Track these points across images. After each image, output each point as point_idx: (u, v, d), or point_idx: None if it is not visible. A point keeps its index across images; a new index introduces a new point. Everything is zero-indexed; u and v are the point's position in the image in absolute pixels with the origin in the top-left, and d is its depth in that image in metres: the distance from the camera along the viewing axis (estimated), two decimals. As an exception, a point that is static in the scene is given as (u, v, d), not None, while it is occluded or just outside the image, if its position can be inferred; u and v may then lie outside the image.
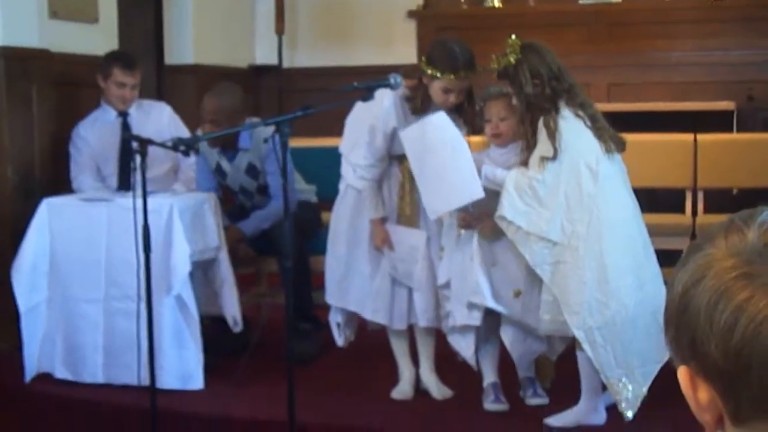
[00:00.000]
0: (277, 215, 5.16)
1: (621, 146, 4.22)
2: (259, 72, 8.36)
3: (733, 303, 1.07)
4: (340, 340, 4.79)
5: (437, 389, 4.66)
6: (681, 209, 6.34)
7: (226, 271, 5.05)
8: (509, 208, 4.12)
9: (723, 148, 6.37)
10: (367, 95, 4.10)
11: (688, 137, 6.34)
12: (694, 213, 6.30)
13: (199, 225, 4.95)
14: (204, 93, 5.41)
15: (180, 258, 4.75)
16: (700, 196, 6.33)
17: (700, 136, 6.34)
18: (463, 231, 4.47)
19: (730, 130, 7.20)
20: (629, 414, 4.12)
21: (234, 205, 5.61)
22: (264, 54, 8.46)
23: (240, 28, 8.31)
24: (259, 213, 5.40)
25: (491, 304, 4.33)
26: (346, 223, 4.64)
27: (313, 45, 8.33)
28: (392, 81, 4.11)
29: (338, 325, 4.78)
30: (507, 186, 4.13)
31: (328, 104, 4.31)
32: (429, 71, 4.36)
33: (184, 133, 5.64)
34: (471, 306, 4.36)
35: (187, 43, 7.60)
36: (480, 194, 4.14)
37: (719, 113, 7.27)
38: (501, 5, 8.09)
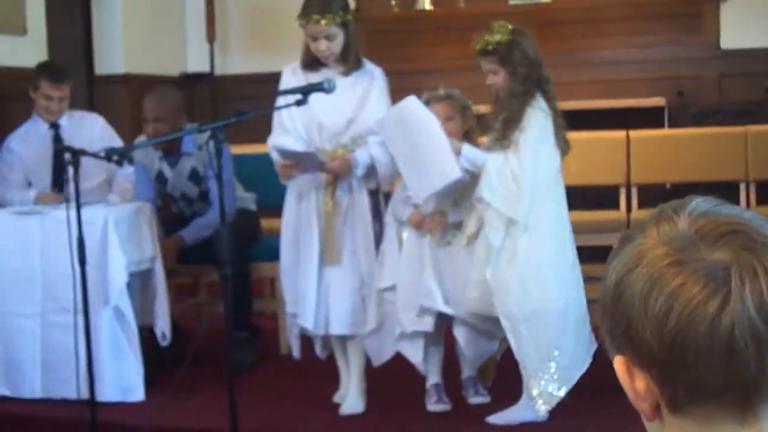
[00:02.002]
0: (217, 222, 5.15)
1: (567, 150, 4.34)
2: (191, 80, 8.32)
3: (667, 290, 1.09)
4: (295, 351, 4.68)
5: (345, 402, 4.59)
6: (615, 205, 6.41)
7: (159, 282, 5.03)
8: (488, 190, 4.18)
9: (655, 144, 6.45)
10: (302, 100, 4.10)
11: (621, 134, 6.42)
12: (629, 209, 6.37)
13: (134, 236, 4.92)
14: (135, 103, 5.39)
15: (116, 269, 4.72)
16: (634, 191, 6.40)
17: (632, 133, 6.42)
18: (405, 235, 4.50)
19: (661, 125, 7.29)
20: (543, 410, 4.21)
21: (171, 213, 5.58)
22: (196, 62, 8.42)
23: (170, 36, 8.27)
24: (199, 221, 5.39)
25: (443, 308, 4.37)
26: (288, 226, 4.60)
27: (245, 51, 8.31)
28: (326, 85, 4.10)
29: (300, 335, 4.65)
30: (487, 168, 4.19)
31: (262, 110, 4.33)
32: (298, 22, 4.44)
33: (117, 144, 5.60)
34: (422, 312, 4.40)
35: (116, 52, 7.55)
36: (457, 174, 4.16)
37: (650, 110, 7.37)
38: (432, 8, 8.12)
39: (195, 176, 5.38)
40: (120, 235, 4.76)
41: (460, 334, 4.46)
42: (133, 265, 4.83)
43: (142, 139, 5.34)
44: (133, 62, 7.59)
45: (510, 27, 4.30)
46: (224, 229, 3.94)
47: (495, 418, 4.27)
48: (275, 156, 4.45)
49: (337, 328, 4.53)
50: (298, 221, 4.55)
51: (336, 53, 4.44)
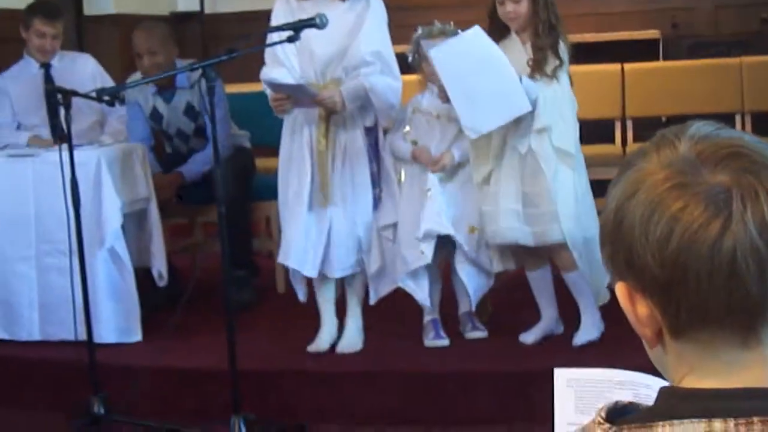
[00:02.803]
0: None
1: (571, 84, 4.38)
2: (181, 19, 8.25)
3: (668, 213, 1.08)
4: (300, 295, 4.62)
5: (343, 340, 4.57)
6: (611, 139, 6.40)
7: (154, 223, 5.03)
8: (546, 122, 4.18)
9: (650, 77, 6.43)
10: (294, 36, 4.05)
11: (615, 67, 6.39)
12: (624, 142, 6.37)
13: (128, 176, 4.91)
14: (126, 43, 5.36)
15: (111, 211, 4.71)
16: (630, 125, 6.39)
17: (627, 66, 6.40)
18: (403, 172, 4.50)
19: (656, 58, 7.26)
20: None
21: (165, 153, 5.57)
22: (185, 0, 8.34)
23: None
24: (197, 156, 5.39)
25: (446, 231, 4.40)
26: (284, 161, 4.54)
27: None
28: (318, 20, 4.03)
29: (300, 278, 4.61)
30: (540, 101, 4.15)
31: (253, 47, 4.29)
32: None
33: (109, 84, 5.56)
34: (424, 237, 4.40)
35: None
36: (527, 106, 4.11)
37: (645, 42, 7.33)
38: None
39: (190, 111, 5.37)
40: (113, 176, 4.74)
41: (462, 269, 4.47)
42: (126, 206, 4.82)
43: (135, 77, 5.32)
44: (123, 2, 7.52)
45: None
46: (219, 168, 3.92)
47: (579, 339, 4.32)
48: (268, 91, 4.39)
49: (339, 271, 4.48)
50: (291, 159, 4.49)
51: None
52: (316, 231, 4.44)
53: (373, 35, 4.39)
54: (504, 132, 4.26)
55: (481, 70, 4.12)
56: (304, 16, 4.17)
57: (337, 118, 4.41)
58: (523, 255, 4.42)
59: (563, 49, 4.23)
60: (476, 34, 4.14)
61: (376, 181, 4.50)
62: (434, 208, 4.41)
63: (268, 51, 4.41)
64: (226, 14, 8.22)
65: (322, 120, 4.39)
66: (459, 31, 4.44)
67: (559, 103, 4.21)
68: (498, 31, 4.33)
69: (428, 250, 4.41)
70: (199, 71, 3.89)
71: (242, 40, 4.74)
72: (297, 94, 4.34)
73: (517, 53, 4.25)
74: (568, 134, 4.24)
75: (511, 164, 4.27)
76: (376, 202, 4.51)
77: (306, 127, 4.45)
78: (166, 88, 5.37)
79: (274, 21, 4.42)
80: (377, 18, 4.42)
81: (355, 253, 4.48)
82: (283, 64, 4.39)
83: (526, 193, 4.24)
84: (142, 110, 5.45)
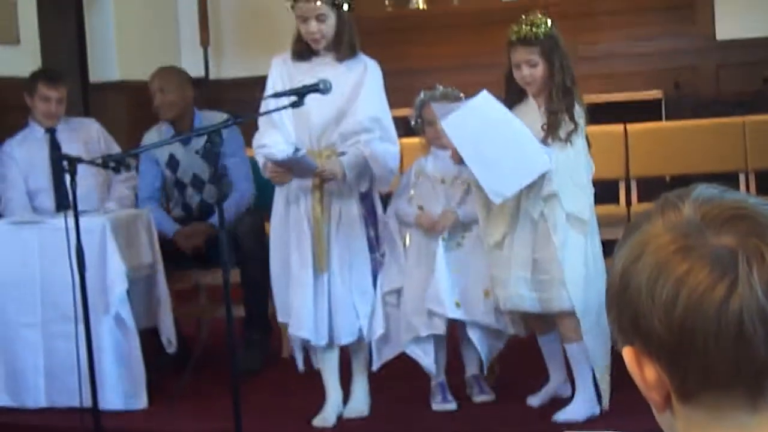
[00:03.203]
0: (241, 204, 5.27)
1: (589, 146, 4.35)
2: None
3: (674, 276, 1.08)
4: (299, 363, 4.55)
5: (350, 405, 4.53)
6: (615, 200, 6.41)
7: (161, 289, 5.03)
8: (557, 186, 4.13)
9: (653, 137, 6.45)
10: (297, 102, 4.04)
11: (618, 128, 6.41)
12: (628, 202, 6.37)
13: (133, 242, 4.92)
14: (131, 109, 5.42)
15: (116, 277, 4.71)
16: (634, 185, 6.39)
17: (630, 126, 6.42)
18: (408, 235, 4.50)
19: (659, 118, 7.29)
20: (606, 405, 4.28)
21: (172, 211, 5.60)
22: (190, 66, 8.39)
23: (164, 41, 8.26)
24: (227, 203, 5.36)
25: (453, 314, 4.38)
26: (278, 227, 4.51)
27: (240, 55, 8.29)
28: (321, 86, 4.04)
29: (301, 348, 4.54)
30: (555, 161, 4.11)
31: (258, 114, 4.31)
32: (288, 6, 4.35)
33: (115, 148, 5.60)
34: (432, 314, 4.39)
35: (111, 59, 7.54)
36: (547, 165, 4.08)
37: (648, 102, 7.37)
38: (425, 6, 8.12)
39: (207, 154, 5.37)
40: (118, 243, 4.75)
41: (474, 334, 4.44)
42: (132, 272, 4.83)
43: (150, 135, 5.45)
44: (128, 69, 7.58)
45: (551, 20, 4.27)
46: (222, 231, 3.90)
47: (561, 415, 4.24)
48: (261, 159, 4.33)
49: (345, 338, 4.43)
50: (287, 227, 4.43)
51: (328, 37, 4.32)
52: (320, 299, 4.39)
53: (372, 100, 4.37)
54: (518, 196, 4.22)
55: (495, 134, 4.11)
56: (302, 79, 4.17)
57: (332, 185, 4.35)
58: (533, 319, 4.39)
59: (579, 112, 4.20)
60: (485, 99, 4.13)
61: (374, 246, 4.46)
62: (440, 287, 4.39)
63: (269, 116, 4.37)
64: (231, 80, 8.27)
65: (316, 188, 4.35)
66: (461, 94, 4.47)
67: (573, 167, 4.17)
68: (514, 94, 4.34)
69: (440, 324, 4.40)
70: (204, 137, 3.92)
71: (247, 106, 4.78)
72: (298, 167, 4.30)
73: (533, 117, 4.24)
74: (580, 199, 4.19)
75: (524, 229, 4.23)
76: (377, 267, 4.47)
77: (301, 195, 4.39)
78: (184, 131, 5.40)
79: (272, 85, 4.38)
80: (375, 81, 4.41)
81: (356, 319, 4.43)
82: (278, 129, 4.34)
83: (536, 260, 4.20)
84: (158, 163, 5.50)
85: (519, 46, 4.24)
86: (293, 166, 4.28)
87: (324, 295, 4.39)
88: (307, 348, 4.54)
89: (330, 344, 4.45)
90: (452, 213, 4.46)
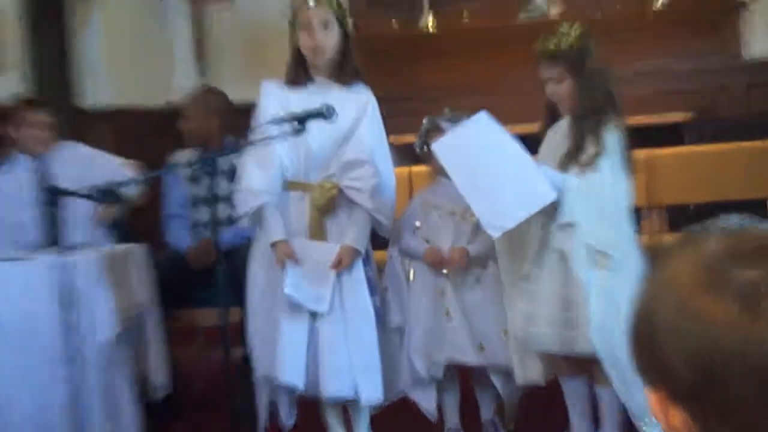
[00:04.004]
0: (244, 233, 5.17)
1: (633, 172, 4.25)
2: (177, 110, 8.33)
3: (696, 312, 1.10)
4: (285, 418, 4.48)
5: None
6: (637, 229, 6.41)
7: (153, 333, 5.03)
8: (572, 216, 4.03)
9: (678, 162, 6.45)
10: (300, 129, 4.03)
11: (641, 153, 6.41)
12: (651, 232, 6.37)
13: (125, 280, 4.92)
14: (120, 137, 5.47)
15: (105, 319, 4.70)
16: (657, 214, 6.39)
17: (653, 151, 6.42)
18: (413, 271, 4.50)
19: (680, 143, 7.29)
20: None
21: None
22: (184, 91, 8.44)
23: (156, 63, 8.29)
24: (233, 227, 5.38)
25: (477, 361, 4.38)
26: (262, 274, 4.44)
27: (238, 78, 8.30)
28: (325, 111, 4.03)
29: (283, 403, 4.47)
30: (569, 191, 4.02)
31: (257, 140, 4.31)
32: (288, 19, 4.36)
33: (108, 160, 5.60)
34: (448, 363, 4.39)
35: (99, 86, 7.57)
36: (551, 196, 3.96)
37: (672, 125, 7.37)
38: (434, 26, 8.15)
39: (232, 174, 5.40)
40: (110, 280, 4.76)
41: (497, 379, 4.44)
42: (123, 314, 4.83)
43: (178, 156, 5.61)
44: (117, 95, 7.62)
45: (580, 29, 4.22)
46: (221, 266, 3.91)
47: None
48: (247, 208, 4.32)
49: (332, 390, 4.28)
50: (272, 265, 4.35)
51: (330, 52, 4.30)
52: (310, 346, 4.31)
53: (370, 133, 4.34)
54: (542, 225, 4.15)
55: (492, 160, 4.02)
56: (299, 106, 4.16)
57: (329, 225, 4.34)
58: (558, 360, 4.28)
59: (612, 134, 4.10)
60: (480, 121, 4.06)
61: (375, 287, 4.42)
62: (460, 334, 4.38)
63: (257, 145, 4.31)
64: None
65: (315, 221, 4.34)
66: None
67: (596, 195, 4.04)
68: (550, 113, 4.32)
69: (440, 368, 4.40)
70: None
71: (246, 133, 4.79)
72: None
73: (560, 138, 4.20)
74: (604, 231, 4.04)
75: (552, 263, 4.12)
76: (379, 311, 4.40)
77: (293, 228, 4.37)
78: (212, 150, 5.47)
79: (265, 110, 4.34)
80: (376, 114, 4.38)
81: (348, 372, 4.29)
82: (268, 164, 4.28)
83: (564, 296, 4.09)
84: (179, 177, 5.63)
85: (543, 61, 4.23)
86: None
87: (313, 341, 4.29)
88: (279, 402, 4.44)
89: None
90: (463, 250, 4.44)
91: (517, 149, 4.02)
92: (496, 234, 4.07)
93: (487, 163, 4.02)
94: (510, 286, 4.27)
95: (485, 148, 4.03)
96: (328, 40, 4.28)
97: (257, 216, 4.35)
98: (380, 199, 4.30)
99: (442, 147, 4.11)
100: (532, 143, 4.22)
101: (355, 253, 4.28)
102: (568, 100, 4.20)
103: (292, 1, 4.40)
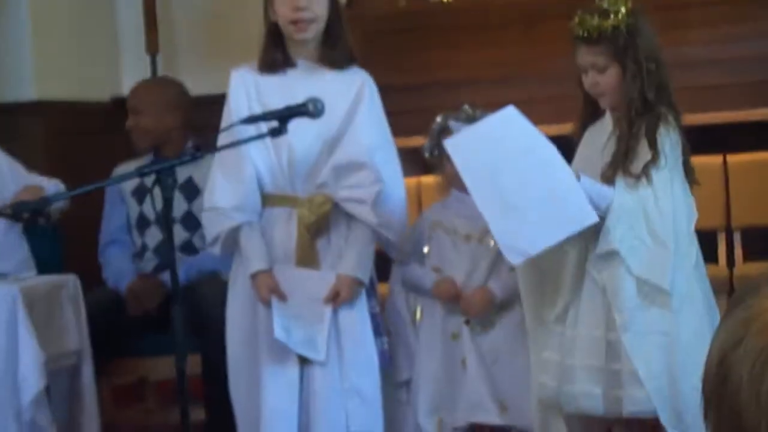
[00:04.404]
0: (208, 261, 5.28)
1: (693, 182, 4.29)
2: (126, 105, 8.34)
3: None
4: None
5: None
6: (713, 258, 6.39)
7: (87, 385, 5.02)
8: (621, 243, 4.00)
9: (763, 171, 6.44)
10: (278, 129, 3.99)
11: (715, 160, 6.42)
12: (731, 262, 6.35)
13: (54, 320, 4.91)
14: (51, 137, 5.45)
15: (30, 369, 4.69)
16: (737, 238, 6.38)
17: (731, 158, 6.43)
18: (419, 311, 4.50)
19: (766, 147, 7.28)
20: None
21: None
22: (132, 82, 8.45)
23: (99, 51, 8.30)
24: (200, 257, 5.45)
25: (500, 420, 4.43)
26: (244, 314, 4.47)
27: (197, 67, 8.31)
28: (311, 106, 4.00)
29: None
30: (616, 210, 4.00)
31: (226, 146, 4.28)
32: None
33: (28, 179, 5.60)
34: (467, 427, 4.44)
35: (25, 75, 7.57)
36: (593, 217, 3.93)
37: (753, 125, 7.35)
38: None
39: (189, 188, 5.39)
40: (35, 321, 4.74)
41: None
42: (52, 362, 4.82)
43: (122, 170, 5.56)
44: (48, 86, 7.62)
45: (629, 3, 4.19)
46: (177, 304, 3.90)
47: None
48: (218, 231, 4.35)
49: None
50: (255, 305, 4.39)
51: (318, 21, 4.30)
52: (302, 394, 4.34)
53: (372, 123, 4.37)
54: (579, 251, 4.12)
55: (519, 166, 3.99)
56: (276, 98, 4.16)
57: (322, 249, 4.36)
58: (599, 425, 4.26)
59: (667, 136, 4.12)
60: (507, 116, 4.04)
61: (381, 326, 4.43)
62: (478, 390, 4.39)
63: (221, 155, 4.34)
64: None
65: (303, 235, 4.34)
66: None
67: (648, 214, 4.03)
68: (589, 109, 4.32)
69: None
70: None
71: (206, 133, 4.78)
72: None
73: (602, 140, 4.20)
74: (660, 260, 4.02)
75: (593, 297, 4.10)
76: (384, 358, 4.42)
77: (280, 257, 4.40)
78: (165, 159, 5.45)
79: (235, 107, 4.37)
80: (377, 101, 4.41)
81: (344, 429, 4.33)
82: (238, 176, 4.30)
83: (610, 342, 4.05)
84: (122, 193, 5.69)
85: (582, 44, 4.21)
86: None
87: (304, 389, 4.33)
88: None
89: None
90: (488, 292, 4.43)
91: (552, 154, 3.99)
92: (516, 261, 4.05)
93: (513, 170, 3.98)
94: (537, 331, 4.23)
95: (511, 151, 4.00)
96: (314, 8, 4.27)
97: (231, 241, 4.34)
98: (387, 210, 4.31)
99: (456, 145, 4.08)
100: (568, 147, 4.20)
101: (356, 284, 4.30)
102: (613, 94, 4.20)
103: None
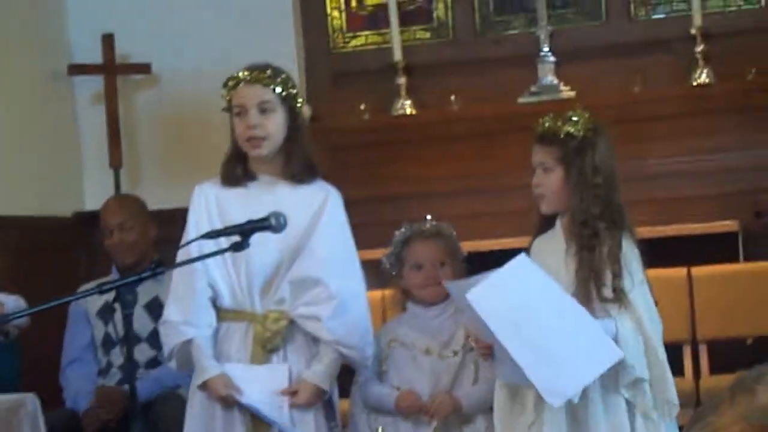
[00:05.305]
0: (169, 378, 5.27)
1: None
2: (88, 221, 8.31)
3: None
4: None
5: None
6: (679, 370, 6.38)
7: None
8: (641, 368, 4.11)
9: (728, 284, 6.46)
10: (240, 244, 3.99)
11: (680, 272, 6.43)
12: (697, 375, 6.34)
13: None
14: (14, 251, 5.41)
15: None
16: (703, 350, 6.37)
17: (696, 270, 6.43)
18: (380, 429, 4.46)
19: (735, 258, 7.28)
20: None
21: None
22: (95, 196, 8.43)
23: (61, 165, 8.28)
24: (158, 372, 5.44)
25: None
26: (197, 428, 4.45)
27: (160, 181, 8.31)
28: (273, 220, 4.02)
29: None
30: (624, 337, 4.08)
31: (185, 260, 4.27)
32: (223, 95, 4.41)
33: None
34: None
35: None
36: (618, 354, 4.03)
37: (719, 237, 7.37)
38: (414, 111, 8.18)
39: (155, 307, 5.38)
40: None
41: None
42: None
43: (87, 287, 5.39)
44: (8, 201, 7.59)
45: (592, 120, 4.28)
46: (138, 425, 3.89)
47: None
48: (175, 342, 4.36)
49: None
50: (212, 423, 4.37)
51: (273, 139, 4.36)
52: None
53: (334, 233, 4.38)
54: None
55: (539, 311, 4.08)
56: (236, 212, 4.20)
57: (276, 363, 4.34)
58: None
59: (632, 252, 4.22)
60: (520, 265, 4.10)
61: (333, 418, 4.39)
62: None
63: (179, 272, 4.34)
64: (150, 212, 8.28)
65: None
66: (452, 231, 4.48)
67: (647, 333, 4.16)
68: (543, 222, 4.38)
69: None
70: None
71: (169, 247, 4.77)
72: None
73: (557, 253, 4.26)
74: (663, 379, 4.20)
75: (555, 417, 4.15)
76: None
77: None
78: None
79: (194, 222, 4.41)
80: (339, 212, 4.44)
81: None
82: (188, 291, 4.32)
83: None
84: (87, 313, 5.67)
85: (536, 143, 4.30)
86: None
87: None
88: None
89: None
90: (450, 398, 4.42)
91: (566, 298, 4.08)
92: (557, 403, 4.07)
93: (535, 316, 4.07)
94: None
95: (529, 298, 4.09)
96: (268, 127, 4.33)
97: (184, 355, 4.32)
98: (344, 326, 4.30)
99: (478, 297, 4.10)
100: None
101: (318, 391, 4.29)
102: (552, 198, 4.26)
103: (225, 84, 4.42)
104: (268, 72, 4.36)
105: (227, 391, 4.27)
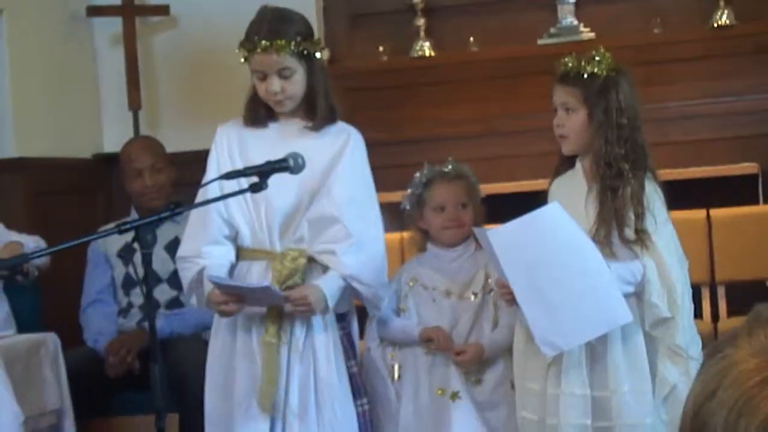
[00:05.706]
0: (198, 324, 5.31)
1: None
2: (108, 163, 8.33)
3: (759, 417, 1.08)
4: None
5: None
6: (697, 313, 6.38)
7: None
8: (666, 307, 4.13)
9: (746, 226, 6.44)
10: (259, 185, 4.01)
11: (699, 214, 6.41)
12: (715, 317, 6.34)
13: (33, 381, 4.89)
14: (33, 195, 5.42)
15: (10, 428, 4.67)
16: (721, 292, 6.37)
17: (715, 212, 6.42)
18: (397, 368, 4.46)
19: (754, 200, 7.26)
20: None
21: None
22: (115, 138, 8.44)
23: (80, 108, 8.29)
24: (184, 312, 5.53)
25: None
26: (217, 364, 4.45)
27: (180, 122, 8.31)
28: (292, 162, 4.04)
29: None
30: (651, 280, 4.10)
31: (203, 201, 4.28)
32: (240, 54, 4.36)
33: (8, 237, 5.59)
34: None
35: (6, 132, 7.57)
36: (628, 317, 4.04)
37: (738, 179, 7.35)
38: (433, 53, 8.16)
39: (175, 248, 5.38)
40: (13, 380, 4.72)
41: None
42: (31, 423, 4.79)
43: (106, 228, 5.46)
44: (28, 143, 7.61)
45: (615, 61, 4.27)
46: (157, 363, 3.90)
47: None
48: (190, 276, 4.35)
49: None
50: (232, 358, 4.38)
51: (295, 97, 4.36)
52: None
53: (354, 176, 4.37)
54: None
55: (558, 263, 4.08)
56: (259, 152, 4.19)
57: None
58: None
59: (655, 196, 4.22)
60: (551, 213, 4.09)
61: (360, 388, 4.40)
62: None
63: (197, 211, 4.35)
64: (170, 154, 8.27)
65: (273, 318, 4.31)
66: (472, 173, 4.47)
67: (668, 274, 4.16)
68: (565, 163, 4.38)
69: None
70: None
71: (189, 190, 4.77)
72: (256, 296, 4.27)
73: (576, 193, 4.26)
74: (682, 329, 4.19)
75: (573, 357, 4.16)
76: (366, 424, 4.37)
77: (256, 319, 4.36)
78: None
79: (216, 163, 4.42)
80: (360, 154, 4.43)
81: None
82: (214, 233, 4.32)
83: (596, 398, 4.13)
84: (107, 255, 5.74)
85: (558, 83, 4.30)
86: (249, 295, 4.26)
87: None
88: None
89: None
90: (479, 347, 4.41)
91: (592, 252, 4.06)
92: (550, 353, 4.10)
93: (552, 266, 4.08)
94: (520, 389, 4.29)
95: (551, 247, 4.08)
96: (289, 90, 4.33)
97: (202, 291, 4.33)
98: (359, 263, 4.29)
99: (498, 236, 4.13)
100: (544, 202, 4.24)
101: (323, 301, 4.24)
102: (575, 139, 4.26)
103: (243, 38, 4.39)
104: (282, 35, 4.28)
105: (224, 297, 4.24)
